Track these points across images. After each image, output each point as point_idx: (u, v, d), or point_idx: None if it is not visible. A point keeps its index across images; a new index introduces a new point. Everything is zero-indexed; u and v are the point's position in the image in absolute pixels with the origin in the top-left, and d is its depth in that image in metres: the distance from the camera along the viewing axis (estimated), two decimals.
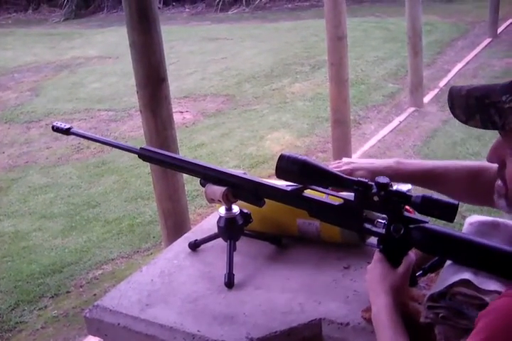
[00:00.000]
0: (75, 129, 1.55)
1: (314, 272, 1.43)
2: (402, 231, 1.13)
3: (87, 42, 11.17)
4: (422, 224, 1.13)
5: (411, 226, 1.14)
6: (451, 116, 1.01)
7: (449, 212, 1.09)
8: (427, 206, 1.10)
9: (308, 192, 1.28)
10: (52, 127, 1.56)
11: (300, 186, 1.26)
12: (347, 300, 1.31)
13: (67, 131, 1.54)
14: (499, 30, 9.05)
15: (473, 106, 0.97)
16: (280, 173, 1.23)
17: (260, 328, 1.25)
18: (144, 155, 1.47)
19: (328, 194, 1.26)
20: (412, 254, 1.16)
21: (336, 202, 1.24)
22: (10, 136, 6.44)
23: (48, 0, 15.44)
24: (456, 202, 1.09)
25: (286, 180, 1.24)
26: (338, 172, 1.22)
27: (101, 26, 12.80)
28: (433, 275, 1.23)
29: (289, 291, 1.36)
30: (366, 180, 1.16)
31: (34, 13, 15.46)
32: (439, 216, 1.10)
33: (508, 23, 9.62)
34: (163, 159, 1.46)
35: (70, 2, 14.48)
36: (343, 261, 1.46)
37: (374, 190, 1.15)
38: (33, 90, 8.15)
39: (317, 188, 1.27)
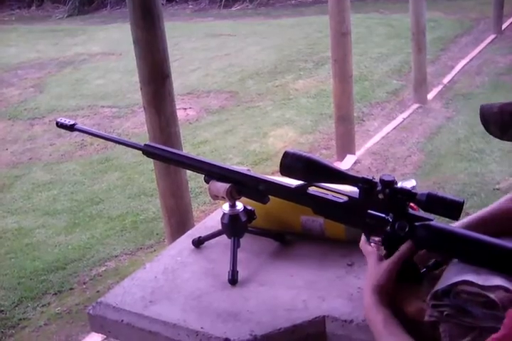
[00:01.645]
0: (79, 125, 1.54)
1: (318, 269, 1.43)
2: (406, 229, 1.13)
3: (91, 38, 11.17)
4: (427, 222, 1.13)
5: (416, 224, 1.13)
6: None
7: (454, 210, 1.08)
8: (432, 203, 1.09)
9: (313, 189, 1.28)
10: (57, 123, 1.55)
11: (304, 183, 1.26)
12: (351, 297, 1.30)
13: (71, 127, 1.53)
14: (503, 26, 9.01)
15: (509, 121, 0.99)
16: (284, 170, 1.22)
17: (264, 325, 1.24)
18: (148, 151, 1.46)
19: (332, 191, 1.26)
20: (405, 248, 1.15)
21: (341, 199, 1.23)
22: (13, 133, 6.45)
23: None
24: (461, 199, 1.08)
25: (290, 177, 1.24)
26: (342, 169, 1.22)
27: (104, 23, 12.80)
28: (437, 272, 1.22)
29: (293, 288, 1.36)
30: (371, 177, 1.16)
31: (37, 9, 15.47)
32: (444, 213, 1.09)
33: None
34: (168, 155, 1.46)
35: None
36: (347, 258, 1.45)
37: (379, 188, 1.14)
38: (37, 87, 8.16)
39: (321, 185, 1.26)
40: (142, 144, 1.47)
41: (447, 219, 1.12)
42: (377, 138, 5.44)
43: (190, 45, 9.79)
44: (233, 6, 13.66)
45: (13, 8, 15.65)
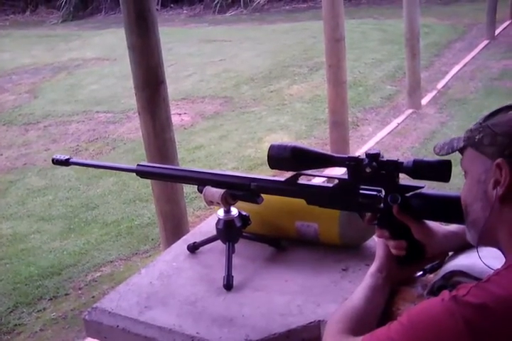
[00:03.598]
0: (73, 159, 1.57)
1: (313, 274, 1.43)
2: (399, 201, 1.12)
3: (85, 43, 11.17)
4: (418, 191, 1.12)
5: (408, 194, 1.12)
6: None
7: (443, 171, 1.07)
8: (419, 169, 1.09)
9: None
10: (52, 160, 1.57)
11: (294, 174, 1.26)
12: None
13: (66, 162, 1.55)
14: (496, 32, 9.07)
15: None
16: (273, 162, 1.22)
17: (259, 330, 1.25)
18: (141, 171, 1.48)
19: (322, 177, 1.26)
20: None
21: (331, 184, 1.23)
22: (8, 138, 6.44)
23: (46, 1, 15.45)
24: (448, 159, 1.07)
25: (279, 168, 1.23)
26: (328, 152, 1.22)
27: (99, 28, 12.81)
28: (432, 276, 1.23)
29: (288, 293, 1.36)
30: (357, 155, 1.15)
31: (32, 14, 15.47)
32: (433, 177, 1.08)
33: (505, 24, 9.65)
34: (160, 171, 1.48)
35: (67, 4, 14.50)
36: (342, 263, 1.46)
37: (365, 162, 1.13)
38: (31, 92, 8.15)
39: (311, 173, 1.26)
40: (135, 166, 1.49)
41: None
42: (371, 143, 5.45)
43: (185, 50, 9.80)
44: (228, 12, 13.69)
45: (7, 14, 15.66)
